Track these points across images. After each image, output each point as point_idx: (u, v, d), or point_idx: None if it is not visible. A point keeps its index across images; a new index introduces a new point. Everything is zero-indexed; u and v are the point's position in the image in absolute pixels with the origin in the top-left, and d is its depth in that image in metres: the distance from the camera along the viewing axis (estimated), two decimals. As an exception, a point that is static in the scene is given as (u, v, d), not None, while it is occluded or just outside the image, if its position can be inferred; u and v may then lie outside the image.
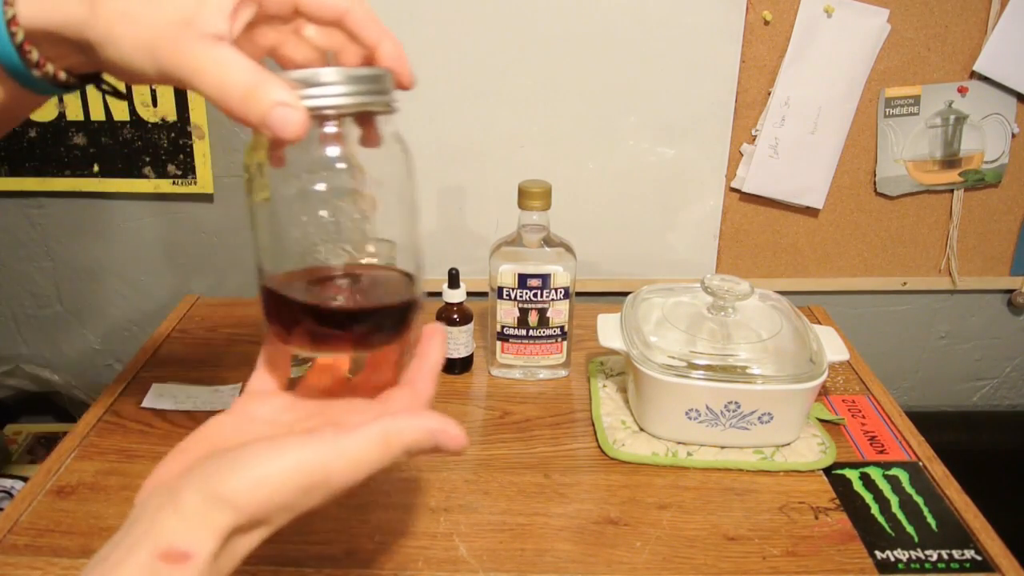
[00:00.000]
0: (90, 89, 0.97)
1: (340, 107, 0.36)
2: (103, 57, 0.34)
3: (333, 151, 0.37)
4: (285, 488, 0.33)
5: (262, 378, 0.44)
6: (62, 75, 0.37)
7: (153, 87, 0.97)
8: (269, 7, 0.37)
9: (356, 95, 0.36)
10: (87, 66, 0.37)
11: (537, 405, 0.82)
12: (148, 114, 0.98)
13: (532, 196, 0.78)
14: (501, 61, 0.95)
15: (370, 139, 0.39)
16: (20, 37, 0.34)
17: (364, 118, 0.39)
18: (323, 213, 0.38)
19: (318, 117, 0.35)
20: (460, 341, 0.85)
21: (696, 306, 0.79)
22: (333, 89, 0.35)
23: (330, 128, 0.37)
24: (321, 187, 0.38)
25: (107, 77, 0.39)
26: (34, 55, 0.35)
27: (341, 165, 0.38)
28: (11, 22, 0.34)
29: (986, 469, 0.85)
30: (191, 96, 0.97)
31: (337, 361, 0.47)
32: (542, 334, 0.83)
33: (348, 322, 0.40)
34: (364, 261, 0.41)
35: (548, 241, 0.80)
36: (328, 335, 0.39)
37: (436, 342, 0.43)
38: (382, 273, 0.42)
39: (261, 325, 0.41)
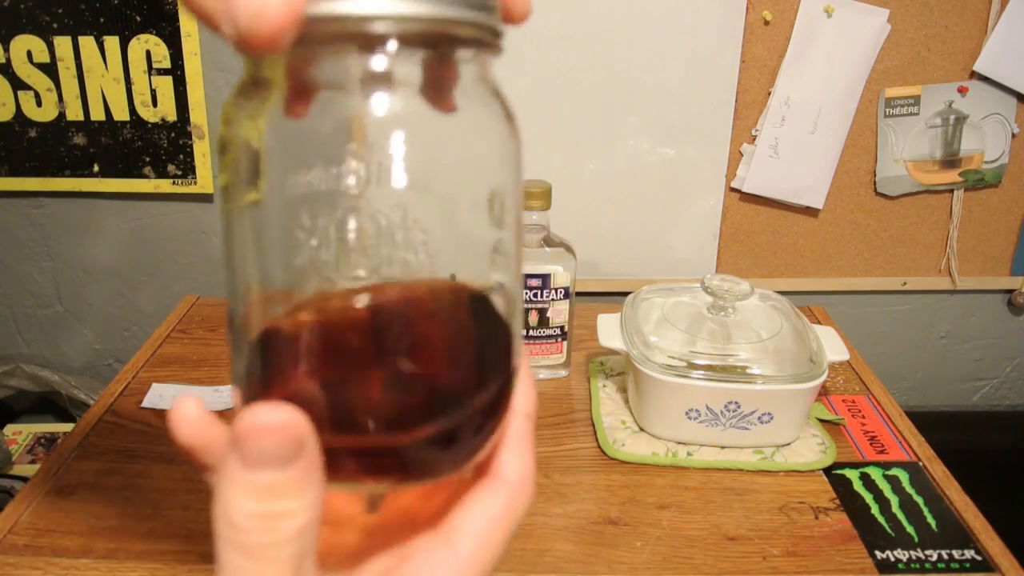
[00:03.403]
0: (91, 88, 0.98)
1: (399, 19, 0.20)
2: None
3: (381, 104, 0.20)
4: None
5: None
6: None
7: (153, 87, 0.97)
8: None
9: (434, 3, 0.20)
10: None
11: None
12: (148, 114, 0.98)
13: (532, 196, 0.78)
14: (501, 61, 0.94)
15: (446, 95, 0.22)
16: None
17: (441, 54, 0.22)
18: (353, 226, 0.21)
19: (354, 38, 0.20)
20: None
21: (696, 306, 0.79)
22: None
23: (379, 61, 0.20)
24: (350, 179, 0.20)
25: None
26: None
27: (397, 136, 0.21)
28: None
29: (986, 469, 0.85)
30: (191, 96, 0.97)
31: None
32: (542, 334, 0.83)
33: (410, 431, 0.22)
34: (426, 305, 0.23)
35: (548, 241, 0.80)
36: (373, 456, 0.22)
37: (523, 384, 0.27)
38: (459, 331, 0.24)
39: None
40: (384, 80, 0.20)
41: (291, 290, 0.23)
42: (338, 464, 0.22)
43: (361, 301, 0.22)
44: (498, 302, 0.25)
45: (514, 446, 0.27)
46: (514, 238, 0.25)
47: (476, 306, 0.25)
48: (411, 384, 0.23)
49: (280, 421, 0.20)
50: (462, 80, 0.23)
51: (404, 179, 0.21)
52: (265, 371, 0.23)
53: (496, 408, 0.24)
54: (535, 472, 0.27)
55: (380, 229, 0.21)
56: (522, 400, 0.28)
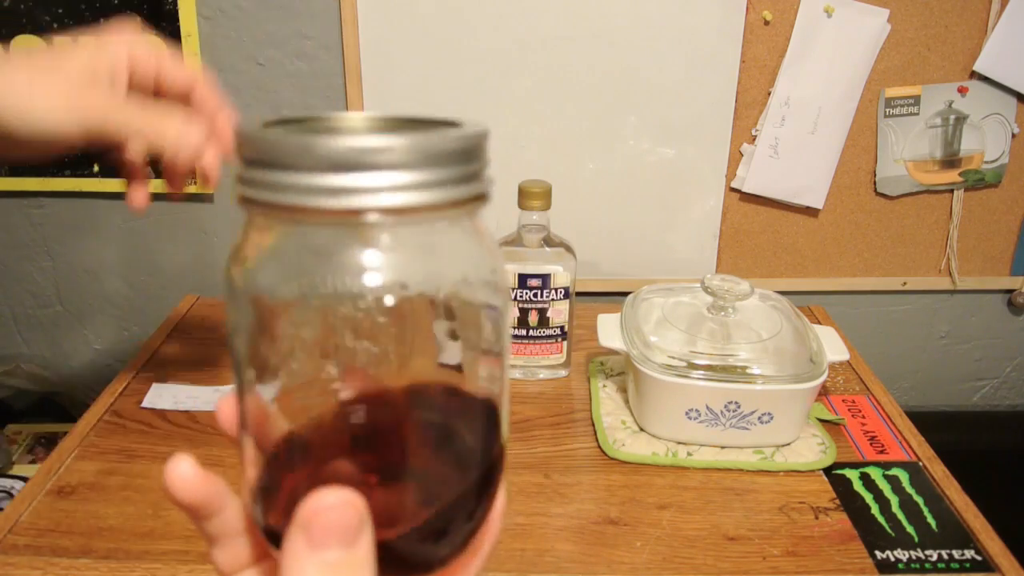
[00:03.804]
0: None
1: (392, 211, 0.21)
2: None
3: (372, 256, 0.22)
4: None
5: None
6: None
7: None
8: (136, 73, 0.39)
9: (442, 187, 0.21)
10: None
11: (537, 405, 0.82)
12: (148, 114, 0.98)
13: (532, 196, 0.78)
14: (501, 61, 0.95)
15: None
16: None
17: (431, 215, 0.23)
18: (348, 339, 0.23)
19: (346, 222, 0.21)
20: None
21: (696, 306, 0.79)
22: (400, 178, 0.20)
23: (385, 240, 0.22)
24: (350, 302, 0.22)
25: None
26: None
27: (389, 300, 0.22)
28: None
29: (986, 469, 0.85)
30: (191, 96, 0.97)
31: None
32: (542, 334, 0.83)
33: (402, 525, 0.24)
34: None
35: (548, 241, 0.80)
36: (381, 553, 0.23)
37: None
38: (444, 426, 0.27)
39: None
40: (373, 238, 0.22)
41: (294, 401, 0.25)
42: None
43: (357, 409, 0.24)
44: (484, 397, 0.26)
45: None
46: (503, 347, 0.27)
47: (462, 403, 0.27)
48: (409, 483, 0.25)
49: (343, 499, 0.21)
50: (448, 219, 0.24)
51: (396, 305, 0.22)
52: (274, 483, 0.25)
53: (485, 495, 0.26)
54: (505, 506, 0.28)
55: (374, 343, 0.23)
56: None
